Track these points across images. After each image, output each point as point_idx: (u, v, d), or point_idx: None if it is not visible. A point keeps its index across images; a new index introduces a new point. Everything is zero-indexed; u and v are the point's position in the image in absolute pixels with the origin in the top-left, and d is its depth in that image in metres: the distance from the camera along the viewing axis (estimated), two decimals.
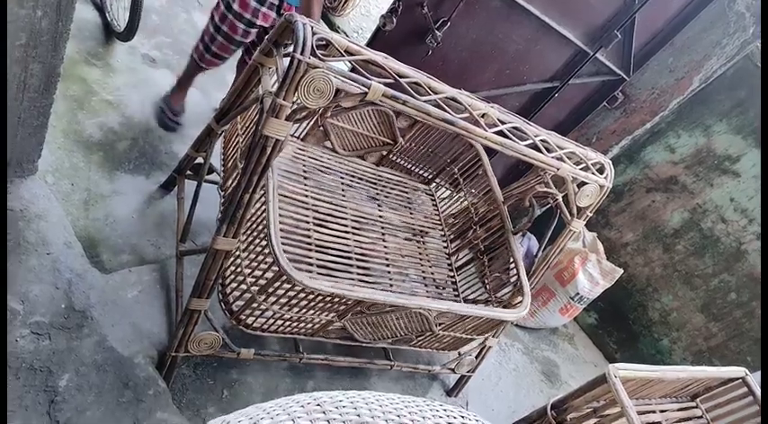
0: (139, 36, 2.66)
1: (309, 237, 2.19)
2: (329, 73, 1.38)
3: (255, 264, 1.76)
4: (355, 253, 2.28)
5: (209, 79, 2.86)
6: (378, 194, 2.58)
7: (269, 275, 1.69)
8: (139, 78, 2.69)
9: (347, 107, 2.50)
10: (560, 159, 1.95)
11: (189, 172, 2.28)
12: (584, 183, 2.09)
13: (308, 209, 2.27)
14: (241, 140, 2.07)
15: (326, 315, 1.90)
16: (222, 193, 2.04)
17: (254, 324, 1.83)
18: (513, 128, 1.81)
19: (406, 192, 2.71)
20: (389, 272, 2.38)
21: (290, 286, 1.65)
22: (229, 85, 2.79)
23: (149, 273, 2.05)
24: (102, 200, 2.19)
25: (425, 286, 2.50)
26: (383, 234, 2.45)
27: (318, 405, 0.79)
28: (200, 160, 2.15)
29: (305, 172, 2.39)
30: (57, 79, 1.63)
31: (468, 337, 2.27)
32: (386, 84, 1.48)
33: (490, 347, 2.42)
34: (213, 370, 1.98)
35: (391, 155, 2.65)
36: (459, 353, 2.47)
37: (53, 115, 1.79)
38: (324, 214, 2.31)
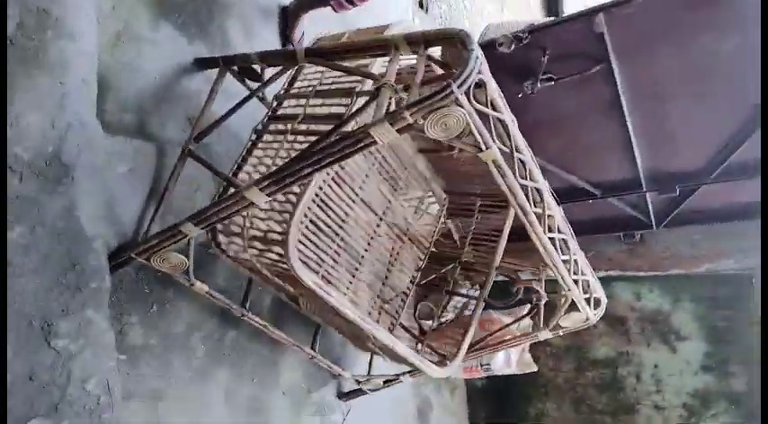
0: None
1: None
2: (468, 116, 1.27)
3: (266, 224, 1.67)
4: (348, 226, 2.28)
5: None
6: (398, 180, 2.51)
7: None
8: None
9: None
10: (576, 282, 1.98)
11: (235, 68, 2.05)
12: (576, 309, 2.14)
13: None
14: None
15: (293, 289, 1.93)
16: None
17: (228, 251, 1.80)
18: (563, 240, 1.81)
19: (424, 193, 2.66)
20: (363, 257, 2.35)
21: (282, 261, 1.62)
22: None
23: (146, 152, 1.84)
24: (136, 42, 1.92)
25: (382, 285, 2.49)
26: (381, 219, 2.44)
27: None
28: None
29: None
30: None
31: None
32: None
33: (401, 382, 2.46)
34: (154, 280, 1.83)
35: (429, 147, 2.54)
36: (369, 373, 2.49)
37: None
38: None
